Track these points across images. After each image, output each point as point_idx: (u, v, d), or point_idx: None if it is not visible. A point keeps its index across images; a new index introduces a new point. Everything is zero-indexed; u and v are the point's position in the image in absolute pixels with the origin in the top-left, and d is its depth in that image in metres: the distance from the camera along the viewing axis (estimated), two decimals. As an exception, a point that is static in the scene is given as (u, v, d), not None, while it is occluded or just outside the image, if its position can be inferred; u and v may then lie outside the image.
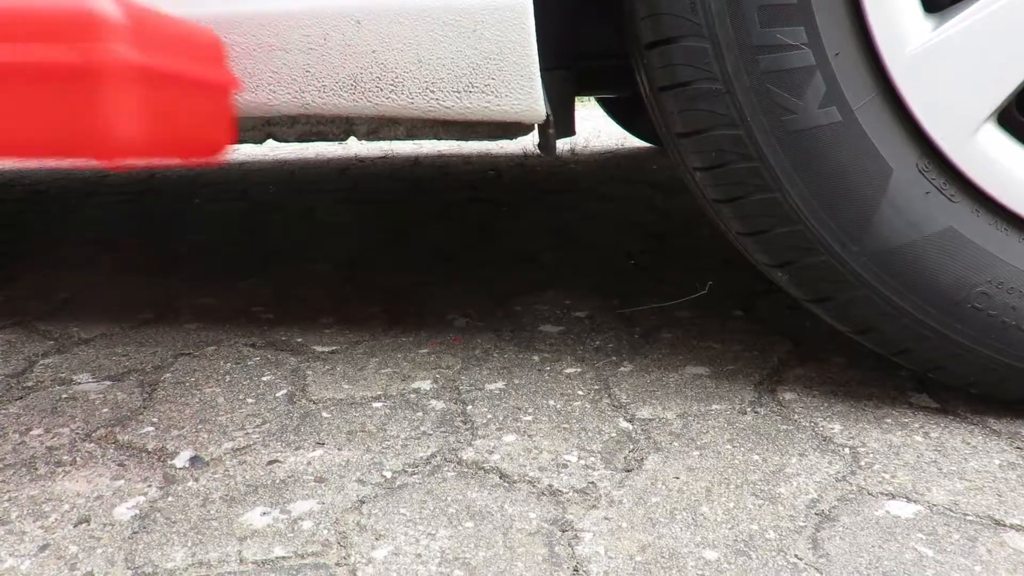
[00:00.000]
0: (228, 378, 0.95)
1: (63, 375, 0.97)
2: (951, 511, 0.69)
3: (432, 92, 0.79)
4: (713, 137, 0.76)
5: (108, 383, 0.95)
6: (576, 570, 0.62)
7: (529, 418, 0.85)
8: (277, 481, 0.74)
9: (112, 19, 0.53)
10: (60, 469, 0.77)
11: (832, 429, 0.82)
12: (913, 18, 0.72)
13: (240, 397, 0.91)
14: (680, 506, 0.70)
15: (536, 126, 0.87)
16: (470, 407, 0.87)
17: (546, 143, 0.87)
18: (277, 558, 0.64)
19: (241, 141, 0.94)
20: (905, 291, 0.77)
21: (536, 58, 0.77)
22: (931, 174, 0.75)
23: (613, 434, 0.82)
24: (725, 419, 0.84)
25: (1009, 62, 0.72)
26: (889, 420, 0.84)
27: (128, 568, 0.63)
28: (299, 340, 1.07)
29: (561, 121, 0.96)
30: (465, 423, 0.84)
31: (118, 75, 0.53)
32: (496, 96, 0.79)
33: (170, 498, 0.72)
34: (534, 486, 0.73)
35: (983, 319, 0.77)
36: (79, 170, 2.51)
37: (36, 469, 0.77)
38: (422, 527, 0.68)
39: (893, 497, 0.71)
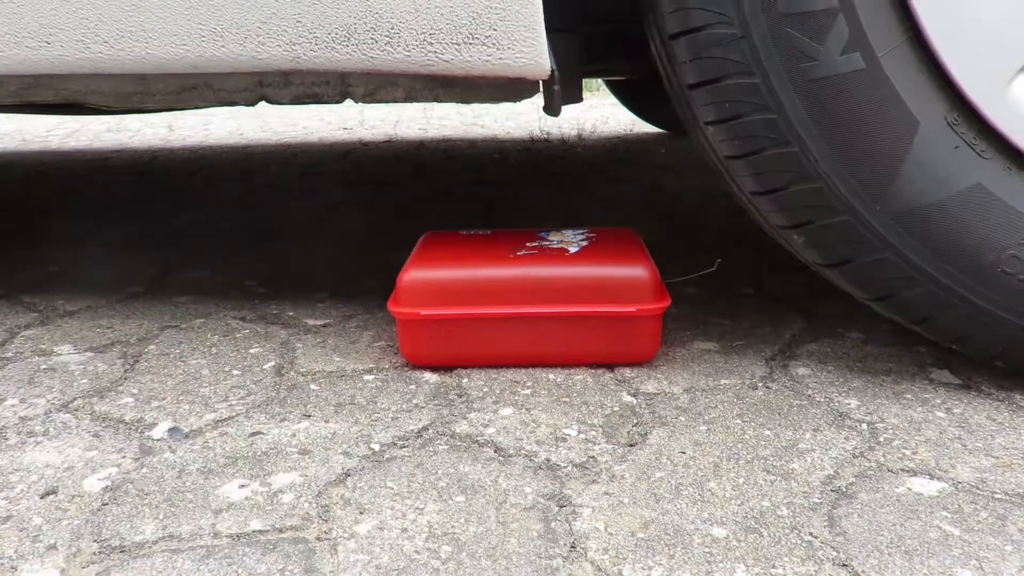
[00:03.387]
0: (214, 350, 0.91)
1: (44, 346, 0.93)
2: (978, 489, 0.64)
3: (430, 44, 0.74)
4: (727, 87, 0.71)
5: (89, 354, 0.91)
6: (573, 546, 0.58)
7: (527, 392, 0.80)
8: (259, 453, 0.70)
9: (645, 281, 0.82)
10: (31, 439, 0.73)
11: (848, 404, 0.77)
12: None
13: (225, 369, 0.87)
14: (686, 481, 0.65)
15: (540, 85, 0.82)
16: (465, 380, 0.83)
17: (551, 101, 0.82)
18: (253, 532, 0.60)
19: (232, 103, 0.90)
20: (930, 254, 0.72)
21: (540, 8, 0.72)
22: (961, 128, 0.70)
23: (616, 408, 0.77)
24: (735, 394, 0.80)
25: None
26: (909, 396, 0.79)
27: (94, 541, 0.59)
28: (291, 314, 1.03)
29: (568, 85, 0.91)
30: (460, 396, 0.80)
31: (647, 317, 0.82)
32: (498, 48, 0.74)
33: (144, 470, 0.68)
34: (531, 460, 0.69)
35: (1014, 285, 0.72)
36: (81, 152, 2.48)
37: (6, 439, 0.73)
38: (410, 501, 0.63)
39: (915, 474, 0.66)
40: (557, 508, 0.62)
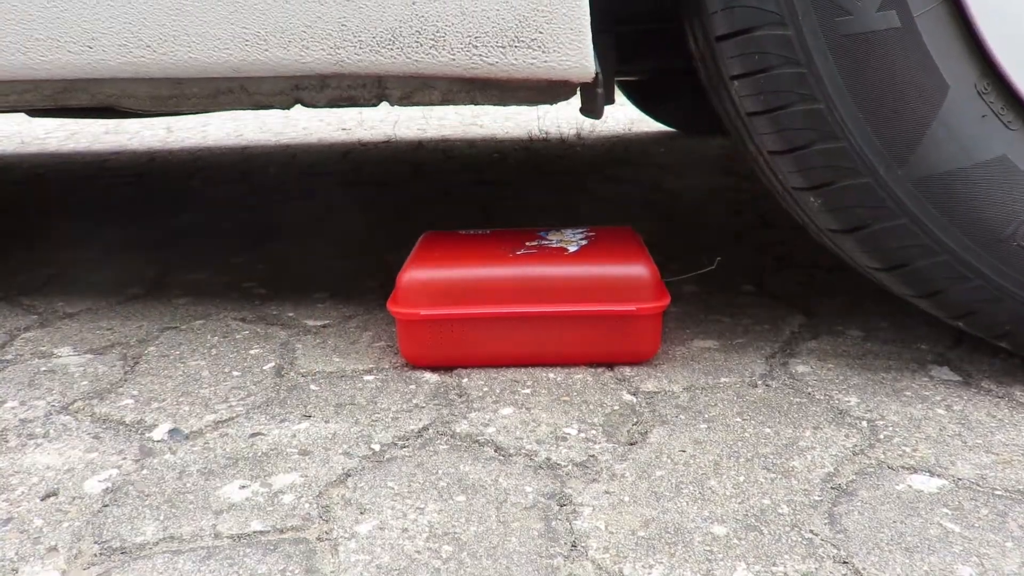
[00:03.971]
0: (214, 351, 0.91)
1: (44, 348, 0.93)
2: (978, 485, 0.64)
3: (476, 47, 0.74)
4: (758, 38, 0.69)
5: (89, 356, 0.91)
6: (574, 545, 0.58)
7: (527, 391, 0.80)
8: (259, 454, 0.70)
9: (645, 279, 0.83)
10: (32, 442, 0.73)
11: (848, 402, 0.77)
12: None
13: (225, 370, 0.87)
14: (686, 480, 0.65)
15: (579, 88, 0.82)
16: (465, 380, 0.83)
17: (594, 104, 0.81)
18: (254, 532, 0.60)
19: (268, 106, 0.89)
20: (948, 222, 0.71)
21: (587, 10, 0.71)
22: (990, 96, 0.69)
23: (616, 407, 0.77)
24: (735, 392, 0.80)
25: None
26: (909, 393, 0.79)
27: (95, 542, 0.59)
28: (291, 314, 1.03)
29: (607, 86, 0.91)
30: (460, 396, 0.80)
31: (647, 316, 0.83)
32: (544, 51, 0.73)
33: (145, 471, 0.68)
34: (531, 459, 0.69)
35: None
36: (80, 154, 2.48)
37: (7, 441, 0.73)
38: (410, 501, 0.63)
39: (915, 471, 0.66)
40: (558, 507, 0.62)
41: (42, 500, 0.64)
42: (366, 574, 0.55)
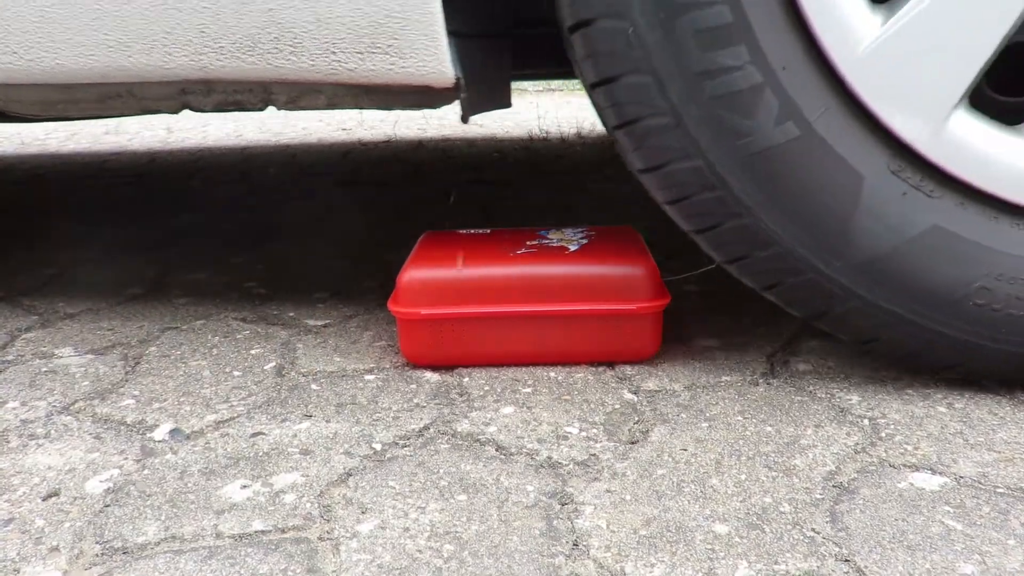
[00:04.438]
0: (215, 351, 0.91)
1: (44, 349, 0.93)
2: (980, 483, 0.64)
3: (334, 53, 0.75)
4: (672, 171, 0.72)
5: (90, 356, 0.91)
6: (576, 544, 0.58)
7: (528, 390, 0.80)
8: (260, 454, 0.70)
9: (645, 278, 0.83)
10: (33, 442, 0.73)
11: (850, 400, 0.77)
12: (860, 15, 0.67)
13: (226, 370, 0.87)
14: (688, 478, 0.65)
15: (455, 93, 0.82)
16: (466, 379, 0.83)
17: (463, 110, 0.82)
18: (256, 532, 0.60)
19: (156, 111, 0.90)
20: (899, 298, 0.73)
21: (440, 17, 0.72)
22: (905, 173, 0.70)
23: (617, 406, 0.77)
24: (736, 391, 0.80)
25: (972, 39, 0.67)
26: (910, 391, 0.79)
27: (97, 543, 0.59)
28: (291, 314, 1.03)
29: (493, 91, 0.91)
30: (461, 395, 0.80)
31: (647, 314, 0.83)
32: (401, 57, 0.74)
33: (146, 471, 0.68)
34: (532, 458, 0.69)
35: (988, 314, 0.72)
36: (80, 155, 2.48)
37: (8, 442, 0.73)
38: (411, 500, 0.63)
39: (917, 469, 0.66)
40: (559, 506, 0.62)
41: (43, 500, 0.64)
42: (368, 573, 0.55)
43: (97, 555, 0.58)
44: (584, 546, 0.58)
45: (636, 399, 0.78)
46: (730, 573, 0.55)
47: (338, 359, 0.89)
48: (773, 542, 0.57)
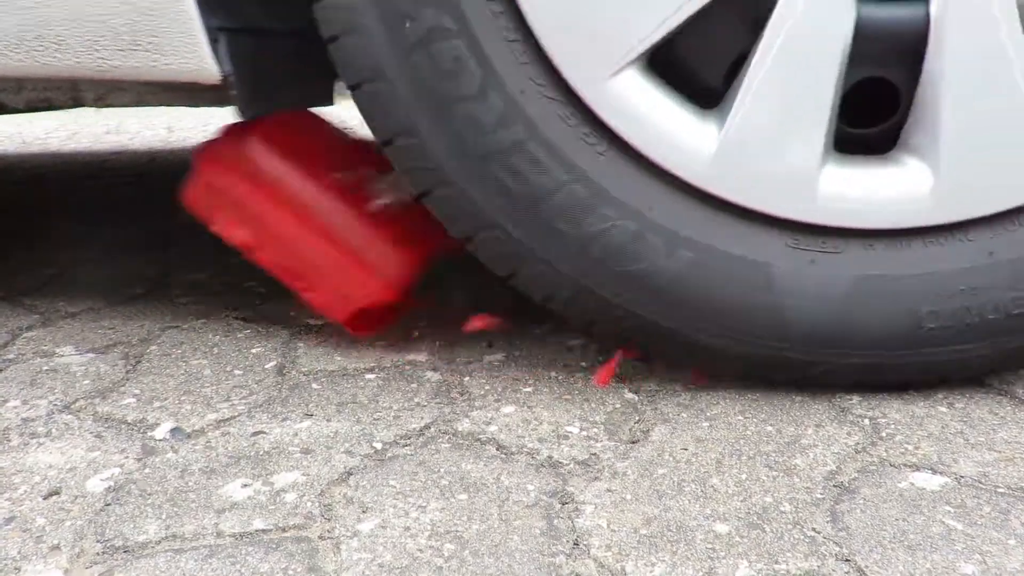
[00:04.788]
0: (216, 350, 0.91)
1: (45, 348, 0.93)
2: (980, 483, 0.64)
3: (97, 51, 0.75)
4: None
5: (91, 355, 0.91)
6: (576, 543, 0.58)
7: (529, 389, 0.80)
8: (261, 453, 0.70)
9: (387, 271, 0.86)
10: (34, 440, 0.73)
11: (850, 400, 0.77)
12: None
13: (227, 369, 0.87)
14: (688, 478, 0.65)
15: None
16: (467, 378, 0.83)
17: (239, 107, 0.83)
18: (256, 531, 0.60)
19: None
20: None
21: (195, 13, 0.73)
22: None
23: (618, 405, 0.77)
24: (736, 390, 0.80)
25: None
26: (911, 391, 0.79)
27: (97, 541, 0.59)
28: (292, 314, 1.03)
29: (288, 88, 0.95)
30: (462, 394, 0.80)
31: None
32: (163, 55, 0.75)
33: (147, 470, 0.68)
34: (533, 457, 0.69)
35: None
36: (80, 154, 2.48)
37: (9, 440, 0.73)
38: (412, 499, 0.63)
39: (917, 469, 0.66)
40: (560, 505, 0.62)
41: (44, 499, 0.64)
42: (368, 572, 0.55)
43: (98, 554, 0.58)
44: (585, 545, 0.58)
45: (636, 398, 0.78)
46: (731, 573, 0.55)
47: (339, 358, 0.89)
48: (774, 542, 0.57)
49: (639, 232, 0.72)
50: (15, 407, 0.79)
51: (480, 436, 0.72)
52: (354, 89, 0.73)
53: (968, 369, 0.76)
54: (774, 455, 0.68)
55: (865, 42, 0.69)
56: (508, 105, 0.70)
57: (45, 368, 0.88)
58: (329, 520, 0.61)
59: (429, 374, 0.84)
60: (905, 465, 0.67)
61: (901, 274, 0.72)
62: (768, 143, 0.70)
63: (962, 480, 0.65)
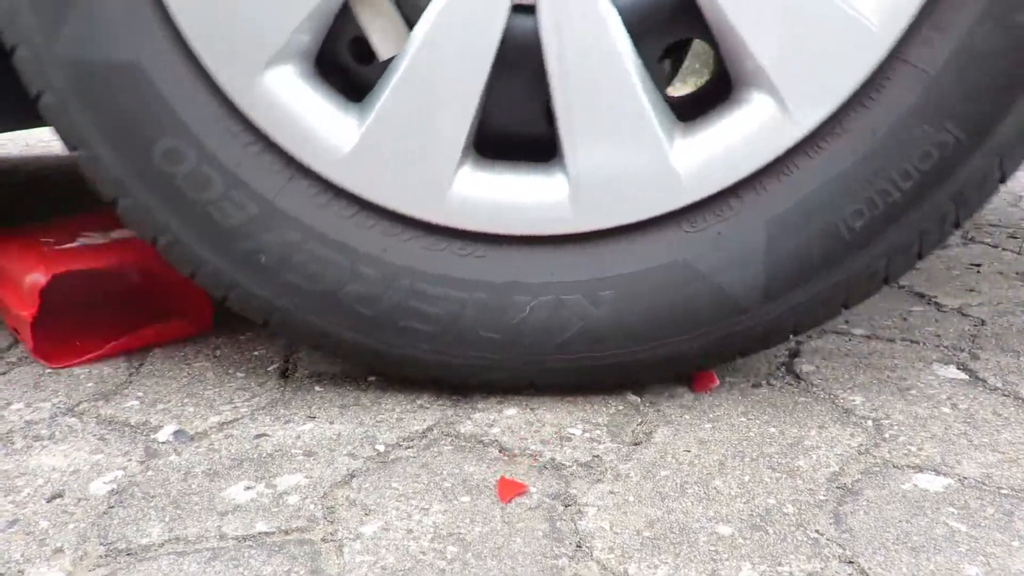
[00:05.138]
0: (218, 353, 0.92)
1: (48, 350, 0.93)
2: (984, 484, 0.64)
3: None
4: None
5: (94, 358, 0.91)
6: (579, 546, 0.58)
7: (531, 391, 0.80)
8: (263, 455, 0.70)
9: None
10: (37, 443, 0.73)
11: (853, 401, 0.77)
12: None
13: (230, 372, 0.87)
14: (691, 480, 0.65)
15: None
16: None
17: None
18: (260, 533, 0.60)
19: None
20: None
21: None
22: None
23: (620, 407, 0.77)
24: (739, 392, 0.80)
25: None
26: (914, 392, 0.79)
27: (101, 544, 0.59)
28: (295, 316, 1.03)
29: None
30: (464, 397, 0.80)
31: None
32: None
33: (150, 472, 0.68)
34: (535, 460, 0.69)
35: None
36: (83, 157, 2.48)
37: (13, 443, 0.73)
38: (415, 502, 0.63)
39: (920, 470, 0.66)
40: (562, 507, 0.62)
41: (48, 502, 0.64)
42: (371, 575, 0.55)
43: (101, 556, 0.58)
44: (587, 547, 0.58)
45: (639, 400, 0.78)
46: (734, 575, 0.55)
47: (341, 360, 0.89)
48: (777, 543, 0.57)
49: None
50: (18, 410, 0.79)
51: (483, 438, 0.72)
52: None
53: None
54: (777, 457, 0.68)
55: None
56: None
57: (48, 371, 0.88)
58: (332, 522, 0.61)
59: (432, 376, 0.84)
60: (908, 466, 0.67)
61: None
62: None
63: (966, 481, 0.64)
